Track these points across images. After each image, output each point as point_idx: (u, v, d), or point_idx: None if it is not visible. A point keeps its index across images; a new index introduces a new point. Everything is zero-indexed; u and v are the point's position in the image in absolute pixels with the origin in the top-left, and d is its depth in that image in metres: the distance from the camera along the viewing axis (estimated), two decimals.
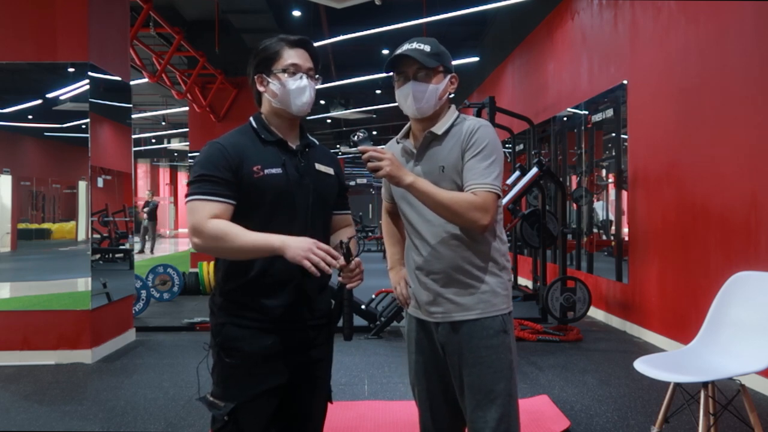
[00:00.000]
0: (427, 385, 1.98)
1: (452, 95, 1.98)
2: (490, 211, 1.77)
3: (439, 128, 1.88)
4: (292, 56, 1.76)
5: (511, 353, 1.87)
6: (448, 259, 1.85)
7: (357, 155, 1.78)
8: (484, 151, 1.80)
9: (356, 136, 1.78)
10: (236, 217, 1.67)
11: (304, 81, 1.76)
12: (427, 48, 1.85)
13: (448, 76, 1.90)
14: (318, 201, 1.79)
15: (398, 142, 2.00)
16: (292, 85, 1.74)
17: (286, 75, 1.75)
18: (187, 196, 1.68)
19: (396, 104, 1.94)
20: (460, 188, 1.82)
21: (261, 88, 1.78)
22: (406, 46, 1.87)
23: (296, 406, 1.80)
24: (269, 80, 1.76)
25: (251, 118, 1.81)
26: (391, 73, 1.92)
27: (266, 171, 1.69)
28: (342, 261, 1.66)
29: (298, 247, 1.57)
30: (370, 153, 1.72)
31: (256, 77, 1.79)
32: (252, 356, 1.69)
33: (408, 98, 1.86)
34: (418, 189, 1.75)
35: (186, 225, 1.70)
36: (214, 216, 1.63)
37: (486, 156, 1.80)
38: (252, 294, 1.70)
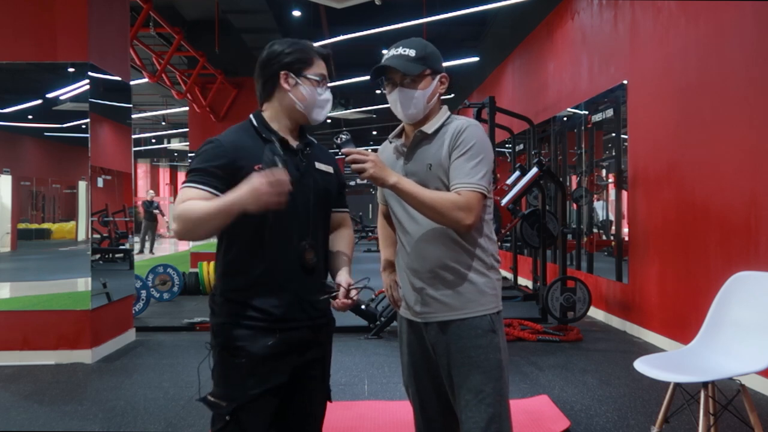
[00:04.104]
0: (420, 386, 1.98)
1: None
2: (474, 210, 1.77)
3: (429, 128, 1.89)
4: (321, 67, 1.79)
5: (501, 353, 1.86)
6: (434, 258, 1.86)
7: None
8: (470, 150, 1.81)
9: (339, 139, 1.80)
10: (238, 217, 1.65)
11: (330, 94, 1.81)
12: (412, 53, 1.85)
13: (437, 77, 1.90)
14: (319, 200, 1.80)
15: (390, 142, 2.01)
16: (321, 95, 1.78)
17: (319, 83, 1.77)
18: (182, 185, 1.71)
19: None
20: (447, 187, 1.82)
21: (286, 86, 1.75)
22: (391, 52, 1.88)
23: (296, 406, 1.80)
24: (299, 81, 1.76)
25: (252, 116, 1.80)
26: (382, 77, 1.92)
27: (261, 169, 1.69)
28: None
29: (255, 196, 1.52)
30: (354, 156, 1.73)
31: (282, 73, 1.74)
32: (253, 356, 1.69)
33: (397, 105, 1.89)
34: (402, 189, 1.76)
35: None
36: (191, 199, 1.62)
37: (472, 156, 1.80)
38: (253, 294, 1.70)
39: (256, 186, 1.51)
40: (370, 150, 1.84)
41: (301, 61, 1.76)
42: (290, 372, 1.75)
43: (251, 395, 1.68)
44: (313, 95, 1.77)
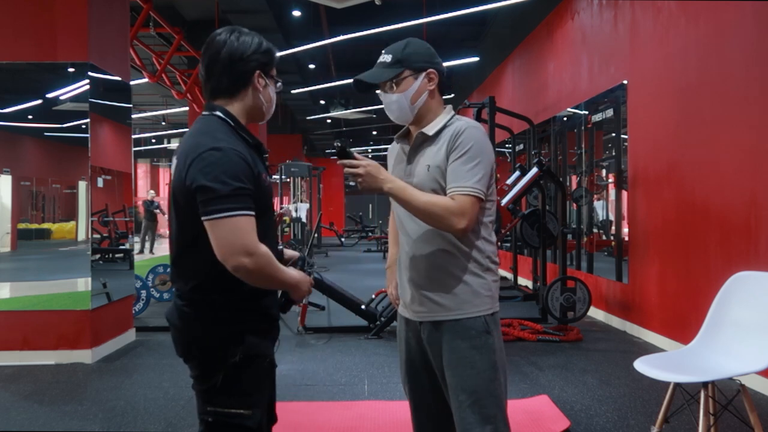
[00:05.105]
0: (416, 384, 2.00)
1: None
2: (468, 214, 1.77)
3: (430, 129, 1.90)
4: (274, 68, 1.80)
5: (495, 354, 1.85)
6: (430, 259, 1.87)
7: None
8: (467, 153, 1.80)
9: (335, 147, 1.83)
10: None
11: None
12: (388, 58, 1.88)
13: (422, 75, 1.88)
14: None
15: (397, 142, 2.04)
16: (274, 96, 1.80)
17: (277, 84, 1.79)
18: (222, 210, 1.53)
19: None
20: (444, 189, 1.83)
21: (258, 87, 1.72)
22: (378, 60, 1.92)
23: (271, 392, 1.85)
24: (267, 82, 1.75)
25: (225, 117, 1.69)
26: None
27: (267, 179, 1.71)
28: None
29: (303, 289, 1.71)
30: (347, 170, 1.77)
31: (257, 73, 1.71)
32: (269, 359, 1.71)
33: (386, 110, 1.94)
34: (396, 195, 1.79)
35: (222, 240, 1.54)
36: (256, 234, 1.57)
37: (469, 158, 1.80)
38: (258, 298, 1.68)
39: (305, 291, 1.73)
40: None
41: (272, 61, 1.75)
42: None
43: (267, 396, 1.72)
44: (274, 96, 1.79)
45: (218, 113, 1.69)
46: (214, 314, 1.66)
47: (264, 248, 1.56)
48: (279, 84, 1.80)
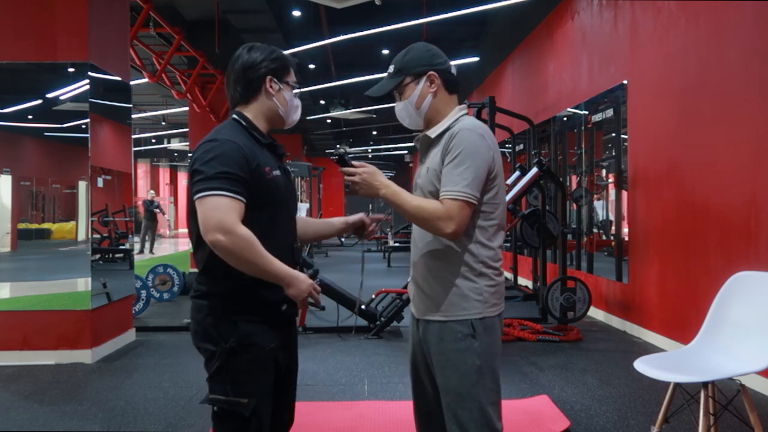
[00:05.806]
0: (417, 378, 2.03)
1: (456, 93, 1.99)
2: (456, 219, 1.77)
3: (432, 132, 1.93)
4: (294, 74, 1.92)
5: (479, 358, 1.83)
6: (426, 260, 1.91)
7: (355, 154, 1.85)
8: (458, 157, 1.81)
9: (334, 158, 1.89)
10: (248, 215, 1.70)
11: (299, 101, 1.96)
12: (392, 68, 1.95)
13: (423, 79, 1.91)
14: (294, 199, 1.95)
15: (416, 144, 2.10)
16: (295, 101, 1.93)
17: (294, 90, 1.90)
18: (205, 189, 1.65)
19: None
20: (439, 191, 1.86)
21: (271, 91, 1.85)
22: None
23: (283, 393, 1.88)
24: (281, 87, 1.87)
25: (238, 118, 1.84)
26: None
27: (273, 173, 1.79)
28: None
29: (300, 288, 1.71)
30: (346, 177, 1.85)
31: (268, 78, 1.84)
32: (264, 349, 1.75)
33: (398, 117, 2.01)
34: (390, 200, 1.85)
35: (202, 217, 1.66)
36: (239, 216, 1.66)
37: (459, 163, 1.80)
38: (262, 288, 1.73)
39: (303, 290, 1.72)
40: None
41: (284, 68, 1.88)
42: (286, 361, 1.85)
43: (267, 387, 1.76)
44: (291, 101, 1.90)
45: (234, 116, 1.85)
46: (212, 299, 1.75)
47: (245, 230, 1.64)
48: (294, 86, 1.92)
